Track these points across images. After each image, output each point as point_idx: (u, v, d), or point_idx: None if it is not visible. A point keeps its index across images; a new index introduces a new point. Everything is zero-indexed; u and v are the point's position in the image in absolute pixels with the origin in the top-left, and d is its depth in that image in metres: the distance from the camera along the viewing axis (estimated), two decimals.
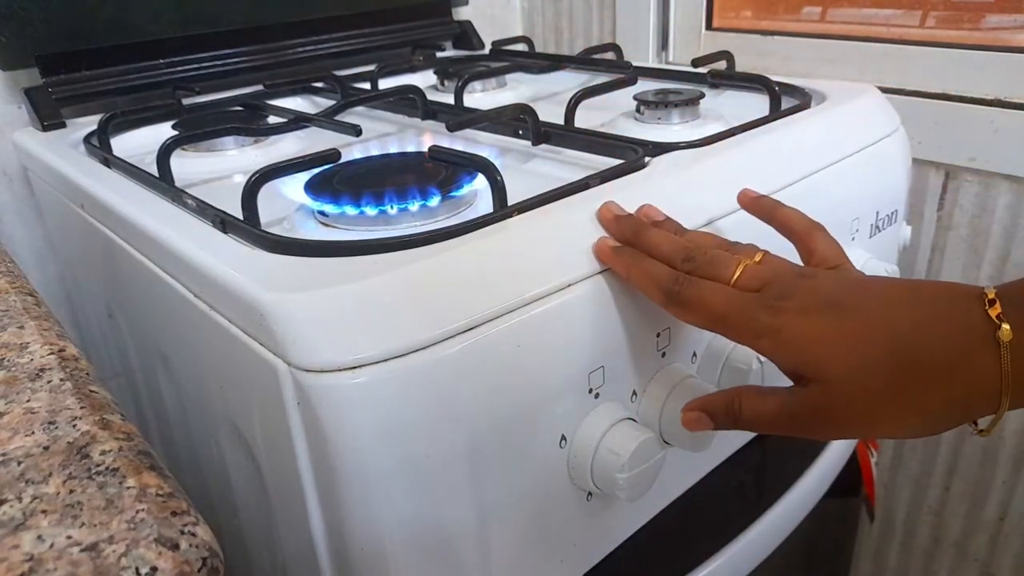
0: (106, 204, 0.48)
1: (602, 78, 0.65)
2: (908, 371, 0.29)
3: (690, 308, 0.35)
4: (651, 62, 0.92)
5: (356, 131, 0.53)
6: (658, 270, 0.36)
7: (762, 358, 0.44)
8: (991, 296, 0.29)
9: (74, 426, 0.29)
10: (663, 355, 0.43)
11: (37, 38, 0.67)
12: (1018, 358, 0.28)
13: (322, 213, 0.44)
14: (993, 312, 0.28)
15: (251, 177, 0.41)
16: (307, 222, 0.44)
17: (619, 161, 0.46)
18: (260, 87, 0.75)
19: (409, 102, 0.63)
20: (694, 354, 0.45)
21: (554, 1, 1.02)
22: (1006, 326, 0.28)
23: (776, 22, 0.86)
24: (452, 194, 0.43)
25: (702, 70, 0.69)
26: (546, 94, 0.74)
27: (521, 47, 0.89)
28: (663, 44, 0.93)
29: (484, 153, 0.43)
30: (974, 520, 0.79)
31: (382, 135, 0.63)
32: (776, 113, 0.54)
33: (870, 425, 0.31)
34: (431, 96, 0.63)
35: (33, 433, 0.29)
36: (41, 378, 0.33)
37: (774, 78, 0.58)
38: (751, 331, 0.33)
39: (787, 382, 0.34)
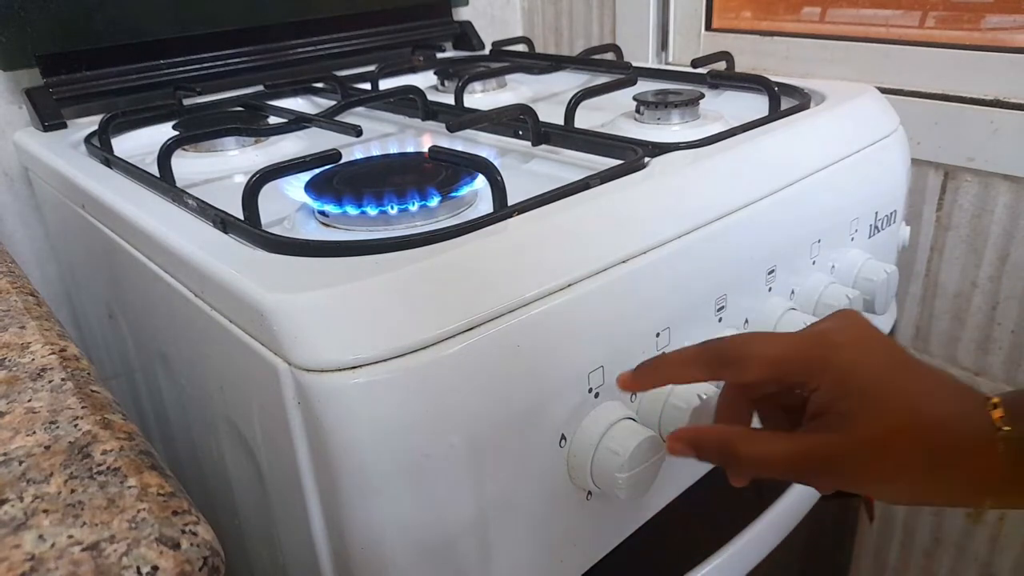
0: (107, 204, 0.48)
1: (602, 78, 0.65)
2: (920, 450, 0.31)
3: (743, 362, 0.34)
4: (651, 63, 0.92)
5: (356, 131, 0.53)
6: (687, 355, 0.35)
7: None
8: (995, 402, 0.31)
9: (75, 426, 0.29)
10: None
11: (37, 38, 0.67)
12: (1008, 465, 0.30)
13: (323, 213, 0.44)
14: (996, 415, 0.30)
15: (252, 177, 0.41)
16: (308, 222, 0.44)
17: (619, 161, 0.46)
18: (260, 87, 0.75)
19: (409, 102, 0.63)
20: None
21: (554, 1, 1.02)
22: (1006, 429, 0.30)
23: (776, 22, 0.86)
24: (452, 194, 0.43)
25: (702, 70, 0.69)
26: (546, 95, 0.74)
27: (521, 48, 0.89)
28: (663, 44, 0.93)
29: (484, 153, 0.43)
30: (974, 519, 0.79)
31: (382, 135, 0.63)
32: (776, 113, 0.54)
33: (866, 484, 0.33)
34: (431, 97, 0.63)
35: (34, 433, 0.29)
36: (42, 378, 0.33)
37: (773, 78, 0.58)
38: (819, 361, 0.33)
39: None
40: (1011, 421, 0.30)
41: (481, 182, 0.44)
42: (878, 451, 0.31)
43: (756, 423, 0.38)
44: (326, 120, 0.57)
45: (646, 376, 0.37)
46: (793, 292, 0.51)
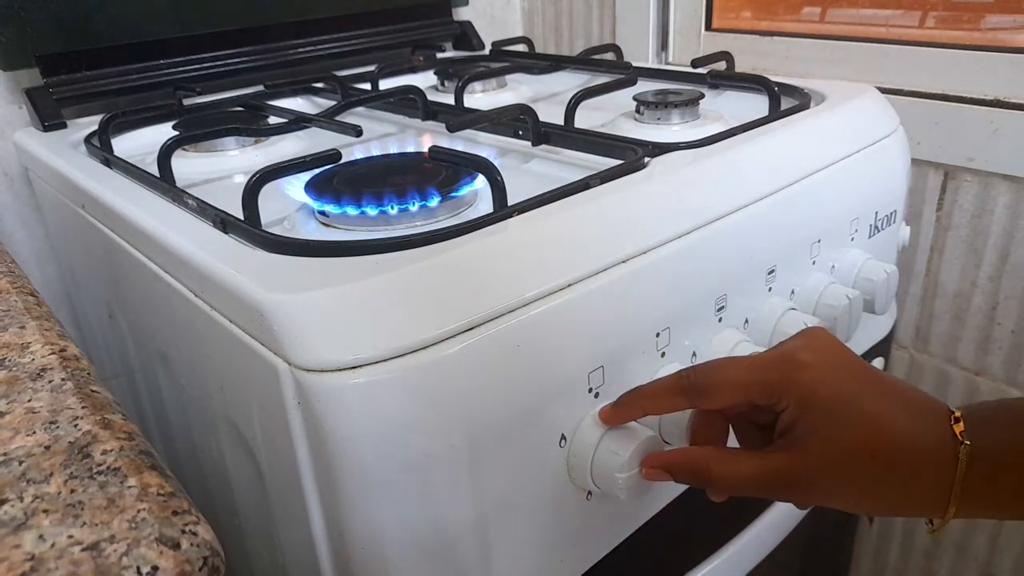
0: (107, 204, 0.48)
1: (602, 78, 0.65)
2: (881, 465, 0.32)
3: (713, 390, 0.35)
4: (651, 63, 0.92)
5: (357, 131, 0.53)
6: (662, 385, 0.37)
7: None
8: (957, 415, 0.32)
9: (75, 426, 0.29)
10: (663, 355, 0.43)
11: (37, 38, 0.67)
12: (970, 476, 0.31)
13: (323, 213, 0.44)
14: (957, 429, 0.31)
15: (252, 177, 0.41)
16: (308, 222, 0.44)
17: (619, 161, 0.46)
18: (260, 87, 0.75)
19: (409, 103, 0.63)
20: (694, 354, 0.45)
21: (554, 1, 1.02)
22: (967, 443, 0.31)
23: (776, 22, 0.86)
24: (452, 194, 0.43)
25: (702, 70, 0.69)
26: (546, 95, 0.74)
27: (521, 48, 0.89)
28: (663, 44, 0.93)
29: (484, 153, 0.43)
30: (974, 520, 0.79)
31: (382, 135, 0.63)
32: (776, 113, 0.54)
33: (832, 499, 0.34)
34: (431, 97, 0.63)
35: (35, 433, 0.29)
36: (42, 378, 0.33)
37: (773, 78, 0.58)
38: (784, 381, 0.34)
39: None
40: (971, 434, 0.31)
41: (481, 182, 0.44)
42: (840, 467, 0.32)
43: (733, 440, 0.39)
44: (326, 120, 0.57)
45: (624, 409, 0.38)
46: (793, 292, 0.51)
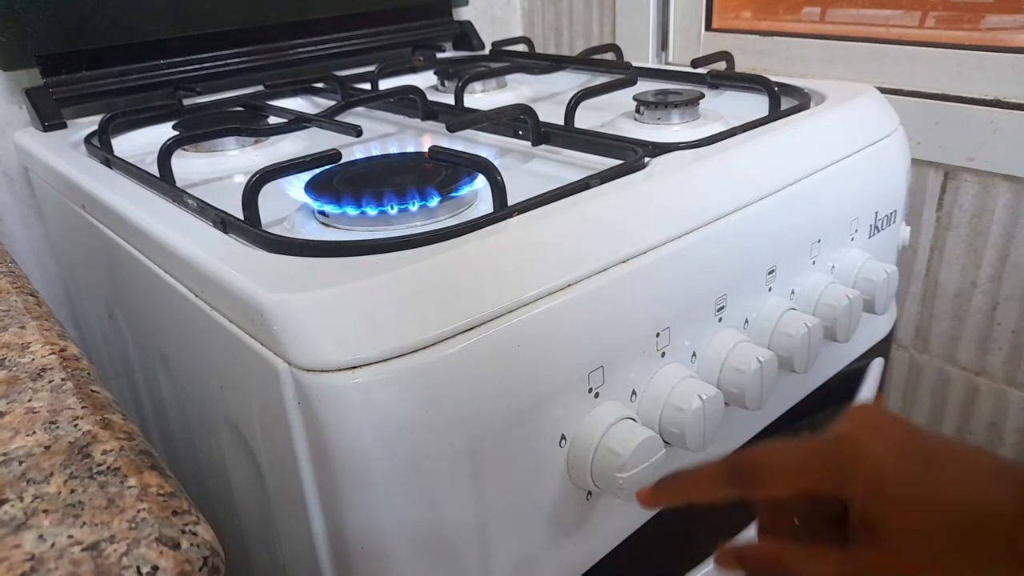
0: (107, 204, 0.48)
1: (602, 78, 0.65)
2: (973, 545, 0.30)
3: (762, 476, 0.33)
4: (651, 63, 0.92)
5: (356, 131, 0.53)
6: (708, 471, 0.34)
7: (762, 358, 0.44)
8: None
9: (75, 426, 0.29)
10: (663, 355, 0.43)
11: (37, 38, 0.67)
12: None
13: (323, 213, 0.44)
14: None
15: (252, 177, 0.41)
16: (308, 222, 0.44)
17: (619, 161, 0.46)
18: (260, 87, 0.75)
19: (409, 102, 0.63)
20: (694, 354, 0.45)
21: (554, 1, 1.02)
22: None
23: (776, 22, 0.86)
24: (452, 194, 0.43)
25: (702, 71, 0.69)
26: (546, 95, 0.74)
27: (521, 48, 0.89)
28: (663, 45, 0.93)
29: (484, 153, 0.43)
30: None
31: (382, 135, 0.63)
32: (776, 113, 0.54)
33: None
34: (431, 97, 0.63)
35: (34, 433, 0.29)
36: (42, 378, 0.33)
37: (773, 78, 0.58)
38: (845, 467, 0.31)
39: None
40: None
41: (481, 182, 0.44)
42: (930, 557, 0.30)
43: None
44: (326, 120, 0.57)
45: (665, 495, 0.35)
46: (793, 292, 0.51)
